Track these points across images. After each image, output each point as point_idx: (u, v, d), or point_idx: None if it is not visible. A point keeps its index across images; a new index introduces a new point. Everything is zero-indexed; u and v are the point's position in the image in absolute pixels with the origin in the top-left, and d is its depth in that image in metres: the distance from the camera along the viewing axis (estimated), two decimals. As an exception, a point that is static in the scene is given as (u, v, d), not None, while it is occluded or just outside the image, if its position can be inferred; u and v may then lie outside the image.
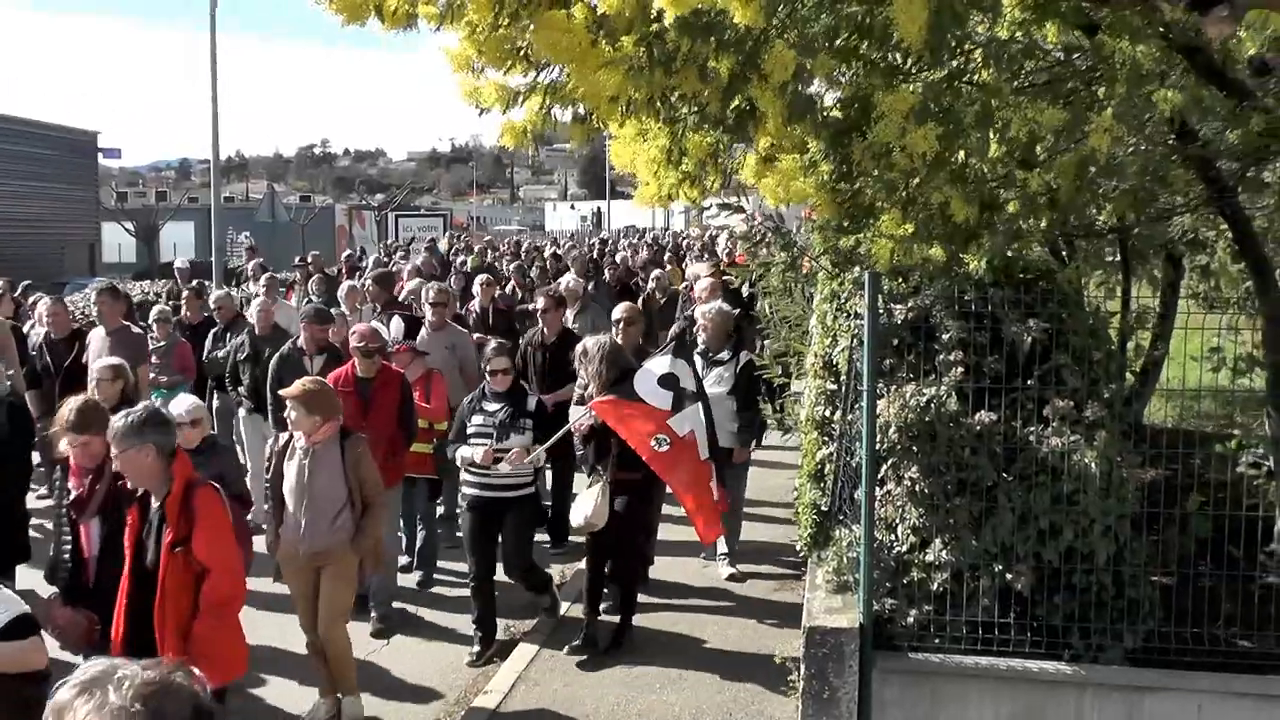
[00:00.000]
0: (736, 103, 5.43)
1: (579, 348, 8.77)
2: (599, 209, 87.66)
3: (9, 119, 46.59)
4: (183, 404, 7.88)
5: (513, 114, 5.48)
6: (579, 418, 8.64)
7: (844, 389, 6.98)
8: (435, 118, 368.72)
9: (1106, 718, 6.19)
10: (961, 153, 5.87)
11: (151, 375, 12.62)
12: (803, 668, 6.31)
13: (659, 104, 5.44)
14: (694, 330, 10.64)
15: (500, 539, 8.92)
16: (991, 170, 6.09)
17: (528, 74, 5.33)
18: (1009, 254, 6.53)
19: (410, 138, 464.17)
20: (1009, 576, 6.16)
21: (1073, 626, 6.17)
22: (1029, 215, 6.37)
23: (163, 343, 13.12)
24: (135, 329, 12.85)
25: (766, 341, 13.28)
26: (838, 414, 7.15)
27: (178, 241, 52.22)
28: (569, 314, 13.04)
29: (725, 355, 10.11)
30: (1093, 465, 6.01)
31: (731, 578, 10.20)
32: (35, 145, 46.92)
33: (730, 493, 9.39)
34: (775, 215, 8.31)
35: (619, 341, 9.55)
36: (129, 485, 6.15)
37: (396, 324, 11.30)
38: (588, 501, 8.50)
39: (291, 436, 7.80)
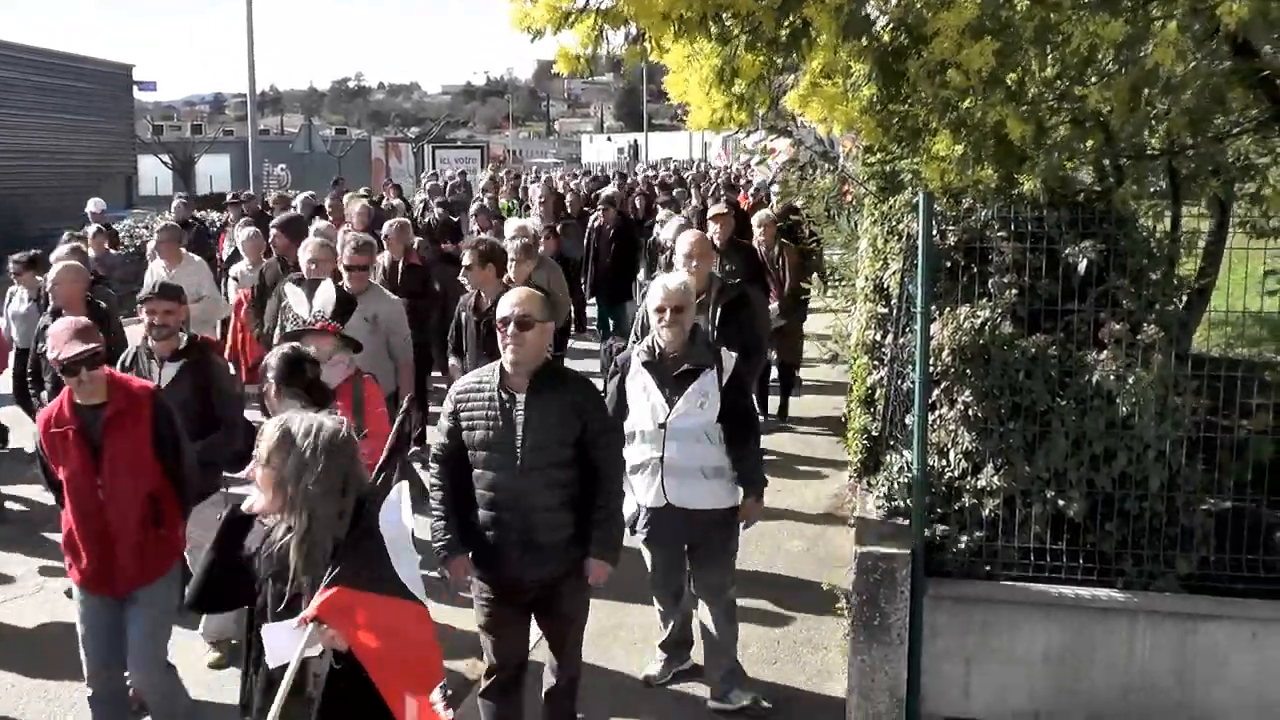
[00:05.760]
0: (790, 21, 5.34)
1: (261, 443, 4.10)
2: (635, 141, 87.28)
3: (45, 53, 46.52)
4: None
5: (564, 38, 5.41)
6: (300, 649, 3.93)
7: (895, 313, 6.89)
8: (469, 51, 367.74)
9: (1159, 645, 6.15)
10: (1016, 70, 5.76)
11: None
12: (854, 594, 6.28)
13: (711, 23, 5.35)
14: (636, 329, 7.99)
15: None
16: (1048, 88, 5.98)
17: (579, -1, 5.26)
18: (1061, 174, 6.42)
19: (444, 71, 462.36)
20: (1061, 502, 6.12)
21: (1125, 553, 6.13)
22: (1081, 137, 6.26)
23: None
24: None
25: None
26: (888, 338, 7.07)
27: (214, 174, 52.52)
28: (518, 271, 9.31)
29: (697, 362, 6.42)
30: (1148, 389, 5.93)
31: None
32: (71, 79, 46.86)
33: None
34: (825, 141, 7.87)
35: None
36: None
37: (326, 289, 7.07)
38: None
39: None
